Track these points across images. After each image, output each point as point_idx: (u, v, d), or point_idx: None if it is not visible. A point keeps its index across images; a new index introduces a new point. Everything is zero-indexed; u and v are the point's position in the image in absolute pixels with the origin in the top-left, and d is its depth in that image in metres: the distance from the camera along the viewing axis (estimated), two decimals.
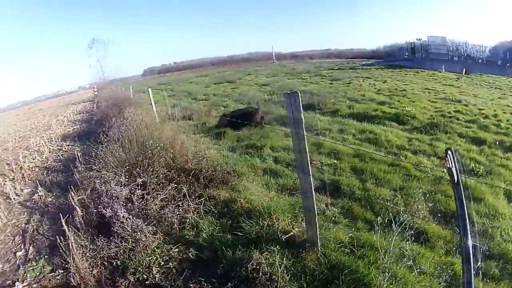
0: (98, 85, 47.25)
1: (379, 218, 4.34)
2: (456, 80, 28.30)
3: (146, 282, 4.06)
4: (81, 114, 26.92)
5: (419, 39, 54.27)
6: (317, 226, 3.84)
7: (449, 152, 2.50)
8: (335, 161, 7.65)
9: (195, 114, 14.85)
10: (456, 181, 2.55)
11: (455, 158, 2.50)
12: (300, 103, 3.24)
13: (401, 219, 3.98)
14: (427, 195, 5.37)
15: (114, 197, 5.35)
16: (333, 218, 4.97)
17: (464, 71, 35.16)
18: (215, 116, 14.46)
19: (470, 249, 2.59)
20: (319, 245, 3.88)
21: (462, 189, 2.57)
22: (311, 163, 3.48)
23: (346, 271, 3.47)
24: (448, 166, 2.53)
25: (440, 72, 34.96)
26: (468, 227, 2.59)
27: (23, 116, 47.06)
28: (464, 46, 49.01)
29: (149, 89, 12.31)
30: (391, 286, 3.43)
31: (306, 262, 3.70)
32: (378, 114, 12.58)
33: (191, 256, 4.38)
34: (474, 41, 51.32)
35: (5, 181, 10.60)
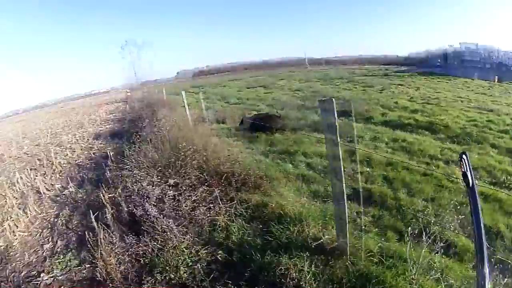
0: (131, 86, 48.33)
1: (409, 228, 4.28)
2: (489, 89, 27.52)
3: (173, 282, 4.14)
4: (113, 114, 27.67)
5: (451, 45, 53.53)
6: (348, 234, 3.86)
7: (463, 156, 2.51)
8: (368, 169, 7.68)
9: (228, 118, 15.07)
10: (470, 185, 2.57)
11: (469, 162, 2.51)
12: (335, 110, 3.26)
13: (431, 231, 3.94)
14: (458, 207, 5.34)
15: (145, 197, 5.52)
16: (364, 227, 4.90)
17: (496, 79, 34.14)
18: (246, 121, 14.46)
19: (485, 257, 2.60)
20: (348, 254, 3.89)
21: (476, 194, 2.58)
22: (343, 170, 3.52)
23: (374, 281, 3.48)
24: (463, 170, 2.55)
25: (472, 79, 34.12)
26: (484, 234, 2.58)
27: (55, 114, 48.45)
28: (497, 53, 48.01)
29: (183, 92, 12.53)
30: None
31: (334, 270, 3.72)
32: (411, 123, 12.41)
33: (219, 258, 4.45)
34: (506, 47, 49.98)
35: (36, 176, 10.98)
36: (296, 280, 3.59)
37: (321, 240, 4.25)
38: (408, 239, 4.08)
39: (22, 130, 33.56)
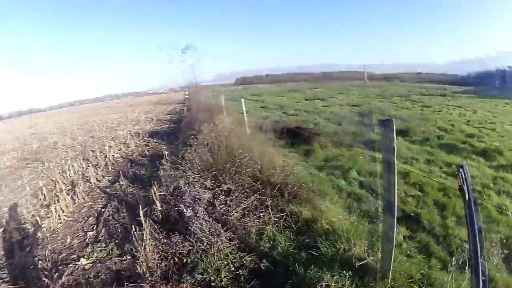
0: (189, 89, 49.21)
1: (453, 258, 4.22)
2: None
3: (212, 284, 4.21)
4: (170, 115, 28.56)
5: (510, 66, 51.19)
6: (392, 258, 3.81)
7: (461, 169, 2.60)
8: (419, 192, 7.51)
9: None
10: (468, 199, 2.66)
11: (467, 175, 2.61)
12: (394, 131, 3.25)
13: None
14: (504, 241, 5.13)
15: (196, 199, 5.61)
16: (408, 252, 4.95)
17: None
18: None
19: (480, 272, 2.71)
20: (390, 277, 3.86)
21: (473, 208, 2.70)
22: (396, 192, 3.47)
23: None
24: (459, 183, 2.65)
25: None
26: (479, 248, 2.69)
27: (112, 109, 50.46)
28: None
29: (242, 99, 12.67)
30: None
31: None
32: (466, 148, 11.98)
33: (262, 267, 4.50)
34: None
35: (88, 166, 11.45)
36: None
37: (366, 261, 4.23)
38: (451, 269, 4.03)
39: (77, 122, 35.24)
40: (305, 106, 27.27)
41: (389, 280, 3.81)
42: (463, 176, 2.53)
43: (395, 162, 3.33)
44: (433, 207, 6.86)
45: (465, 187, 2.56)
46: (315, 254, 4.51)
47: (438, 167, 9.59)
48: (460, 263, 4.13)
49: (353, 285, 3.75)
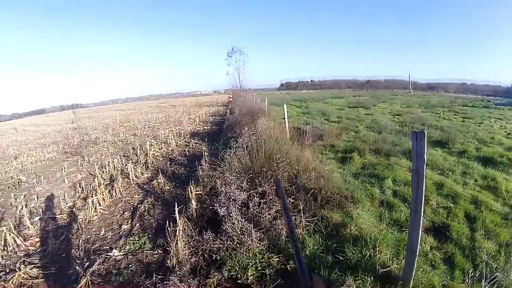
0: (233, 92, 49.84)
1: (471, 271, 4.35)
2: None
3: (238, 281, 4.40)
4: (213, 117, 29.01)
5: None
6: (415, 268, 3.88)
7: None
8: (451, 204, 7.27)
9: (326, 135, 15.16)
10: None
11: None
12: (425, 143, 3.37)
13: (493, 276, 4.02)
14: None
15: (231, 199, 5.80)
16: (433, 262, 4.91)
17: None
18: (345, 140, 14.77)
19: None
20: (410, 286, 3.93)
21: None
22: (428, 202, 3.55)
23: None
24: None
25: None
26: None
27: (155, 108, 51.50)
28: None
29: (284, 105, 12.80)
30: None
31: None
32: (504, 161, 11.63)
33: (288, 268, 4.65)
34: None
35: (128, 163, 11.83)
36: None
37: (389, 268, 4.34)
38: (468, 281, 4.18)
39: (120, 119, 36.18)
40: (348, 114, 27.13)
41: None
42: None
43: (425, 173, 3.44)
44: (464, 219, 6.79)
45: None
46: (341, 258, 4.64)
47: (473, 179, 9.42)
48: (477, 275, 4.23)
49: None
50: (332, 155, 12.01)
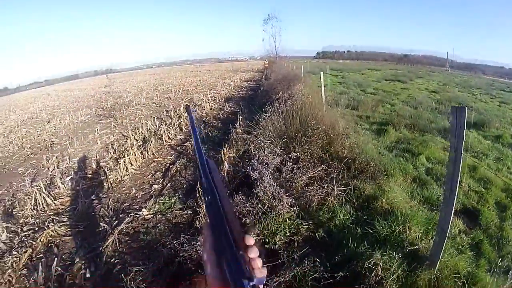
0: (269, 58, 49.53)
1: (499, 261, 4.26)
2: None
3: (266, 246, 4.39)
4: (248, 82, 29.01)
5: None
6: (443, 249, 3.80)
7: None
8: (483, 189, 7.26)
9: (361, 106, 15.01)
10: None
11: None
12: (465, 120, 3.23)
13: None
14: None
15: (264, 163, 5.78)
16: (460, 247, 4.85)
17: None
18: (381, 113, 14.72)
19: None
20: (436, 268, 3.84)
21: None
22: (459, 184, 3.43)
23: None
24: None
25: None
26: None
27: (190, 73, 51.55)
28: None
29: (321, 73, 12.65)
30: None
31: (418, 280, 3.71)
32: None
33: (317, 236, 4.63)
34: None
35: (161, 125, 11.97)
36: (379, 278, 3.65)
37: (417, 246, 4.28)
38: (494, 272, 4.05)
39: (154, 83, 36.42)
40: (384, 86, 26.68)
41: (436, 270, 3.82)
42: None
43: (462, 152, 3.33)
44: (494, 206, 6.64)
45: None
46: (370, 231, 4.59)
47: (506, 166, 9.16)
48: (504, 266, 4.17)
49: (400, 268, 3.79)
50: (367, 126, 11.96)
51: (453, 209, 3.55)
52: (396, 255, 3.86)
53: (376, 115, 13.73)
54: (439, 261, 3.81)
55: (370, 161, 6.62)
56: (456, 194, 3.48)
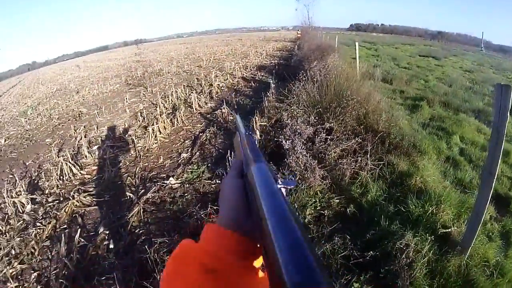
0: (302, 28, 49.02)
1: None
2: None
3: None
4: (280, 51, 28.67)
5: None
6: (476, 235, 3.67)
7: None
8: None
9: (396, 80, 14.73)
10: None
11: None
12: (510, 100, 3.09)
13: None
14: None
15: (297, 133, 5.66)
16: (490, 233, 4.61)
17: None
18: (415, 88, 14.33)
19: None
20: (467, 254, 3.73)
21: None
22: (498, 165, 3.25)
23: None
24: None
25: None
26: None
27: (221, 42, 51.55)
28: None
29: (356, 43, 12.38)
30: None
31: (448, 265, 3.60)
32: None
33: (348, 211, 4.52)
34: None
35: (191, 93, 11.84)
36: (409, 260, 3.54)
37: (449, 230, 4.14)
38: None
39: (184, 52, 36.44)
40: (418, 62, 26.10)
41: (466, 257, 3.69)
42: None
43: (505, 132, 3.20)
44: None
45: None
46: (403, 210, 4.48)
47: None
48: None
49: (431, 251, 3.68)
50: (400, 101, 11.71)
51: (491, 194, 3.41)
52: (428, 237, 3.77)
53: (410, 90, 13.47)
54: (470, 247, 3.71)
55: (405, 136, 6.46)
56: (495, 177, 3.34)
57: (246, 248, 0.68)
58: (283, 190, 0.73)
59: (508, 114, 3.12)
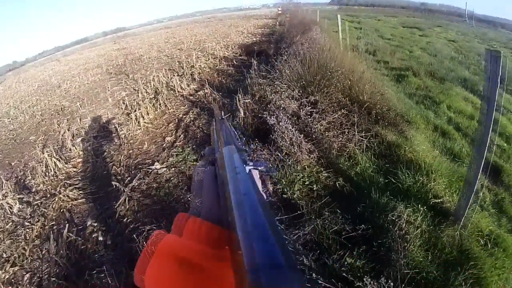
0: (282, 5, 48.96)
1: None
2: None
3: (284, 196, 4.23)
4: (261, 29, 28.39)
5: None
6: (469, 205, 3.64)
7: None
8: (505, 144, 6.94)
9: (379, 51, 14.81)
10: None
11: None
12: (500, 66, 3.03)
13: None
14: None
15: (281, 108, 5.61)
16: (483, 203, 4.60)
17: None
18: (399, 59, 14.22)
19: None
20: (461, 224, 3.71)
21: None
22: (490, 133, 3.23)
23: (472, 263, 3.29)
24: None
25: None
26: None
27: (201, 24, 51.24)
28: None
29: (338, 15, 12.36)
30: None
31: (442, 236, 3.59)
32: None
33: (337, 185, 4.45)
34: None
35: (173, 76, 11.71)
36: (403, 232, 3.49)
37: (441, 200, 4.10)
38: None
39: (165, 36, 36.22)
40: (402, 33, 26.24)
41: (460, 227, 3.68)
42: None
43: (496, 100, 3.17)
44: None
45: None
46: (393, 181, 4.43)
47: None
48: None
49: (424, 222, 3.66)
50: (385, 71, 11.68)
51: (483, 163, 3.43)
52: (421, 208, 3.76)
53: (394, 61, 13.44)
54: (464, 217, 3.70)
55: (391, 106, 6.44)
56: (487, 146, 3.35)
57: (219, 236, 0.65)
58: (255, 172, 0.77)
59: (499, 81, 3.08)
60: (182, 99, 9.47)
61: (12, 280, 4.18)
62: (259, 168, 0.75)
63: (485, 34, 37.59)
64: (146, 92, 10.58)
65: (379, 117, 6.14)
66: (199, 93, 9.49)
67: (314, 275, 3.11)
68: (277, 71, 7.62)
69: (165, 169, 5.72)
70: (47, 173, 6.61)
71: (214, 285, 0.61)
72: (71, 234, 4.59)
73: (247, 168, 0.69)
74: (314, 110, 5.82)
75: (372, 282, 2.89)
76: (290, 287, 0.35)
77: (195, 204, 0.76)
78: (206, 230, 0.66)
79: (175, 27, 55.45)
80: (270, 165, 0.78)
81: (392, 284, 2.88)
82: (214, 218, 0.67)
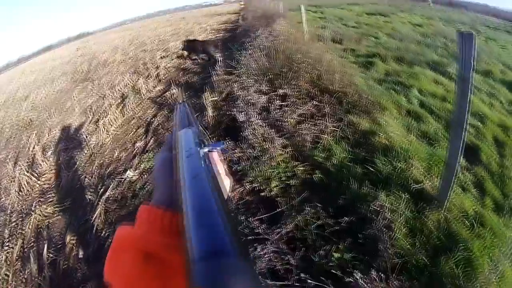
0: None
1: (508, 201, 4.16)
2: None
3: (261, 194, 4.17)
4: (225, 24, 28.49)
5: None
6: (451, 188, 3.62)
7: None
8: (479, 123, 7.05)
9: (345, 39, 14.89)
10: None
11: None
12: (475, 47, 3.06)
13: None
14: None
15: (250, 103, 5.54)
16: (464, 184, 4.70)
17: None
18: (366, 46, 14.39)
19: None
20: (445, 207, 3.70)
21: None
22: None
23: (461, 246, 3.30)
24: None
25: None
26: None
27: (164, 23, 50.90)
28: None
29: (301, 5, 12.39)
30: (499, 281, 3.16)
31: (426, 221, 3.57)
32: None
33: (315, 178, 4.39)
34: None
35: (139, 78, 11.58)
36: (387, 221, 3.47)
37: (422, 185, 4.07)
38: (505, 212, 4.01)
39: (128, 38, 35.86)
40: (366, 20, 26.36)
41: (444, 210, 3.68)
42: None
43: (472, 82, 3.17)
44: (492, 142, 6.53)
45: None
46: (371, 169, 4.39)
47: (498, 101, 9.03)
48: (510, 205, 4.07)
49: (407, 209, 3.65)
50: (353, 59, 11.64)
51: (462, 145, 3.41)
52: (402, 195, 3.74)
53: (361, 48, 13.63)
54: (447, 200, 3.69)
55: (362, 93, 6.41)
56: (465, 128, 3.34)
57: (171, 223, 0.63)
58: (214, 153, 0.79)
59: (472, 62, 3.09)
60: (149, 102, 9.34)
61: None
62: (217, 149, 0.74)
63: (450, 16, 38.28)
64: (112, 98, 10.41)
65: (350, 106, 6.08)
66: (166, 94, 9.37)
67: (302, 275, 3.07)
68: (242, 66, 7.55)
69: (137, 176, 5.62)
70: (20, 192, 6.44)
71: (170, 275, 0.59)
72: (51, 254, 4.50)
73: (204, 150, 0.65)
74: (284, 104, 5.77)
75: (363, 276, 2.87)
76: (237, 277, 0.34)
77: (156, 191, 0.74)
78: (164, 218, 0.63)
79: (138, 28, 55.12)
80: (225, 146, 0.75)
81: (383, 275, 2.86)
82: (167, 202, 0.66)
